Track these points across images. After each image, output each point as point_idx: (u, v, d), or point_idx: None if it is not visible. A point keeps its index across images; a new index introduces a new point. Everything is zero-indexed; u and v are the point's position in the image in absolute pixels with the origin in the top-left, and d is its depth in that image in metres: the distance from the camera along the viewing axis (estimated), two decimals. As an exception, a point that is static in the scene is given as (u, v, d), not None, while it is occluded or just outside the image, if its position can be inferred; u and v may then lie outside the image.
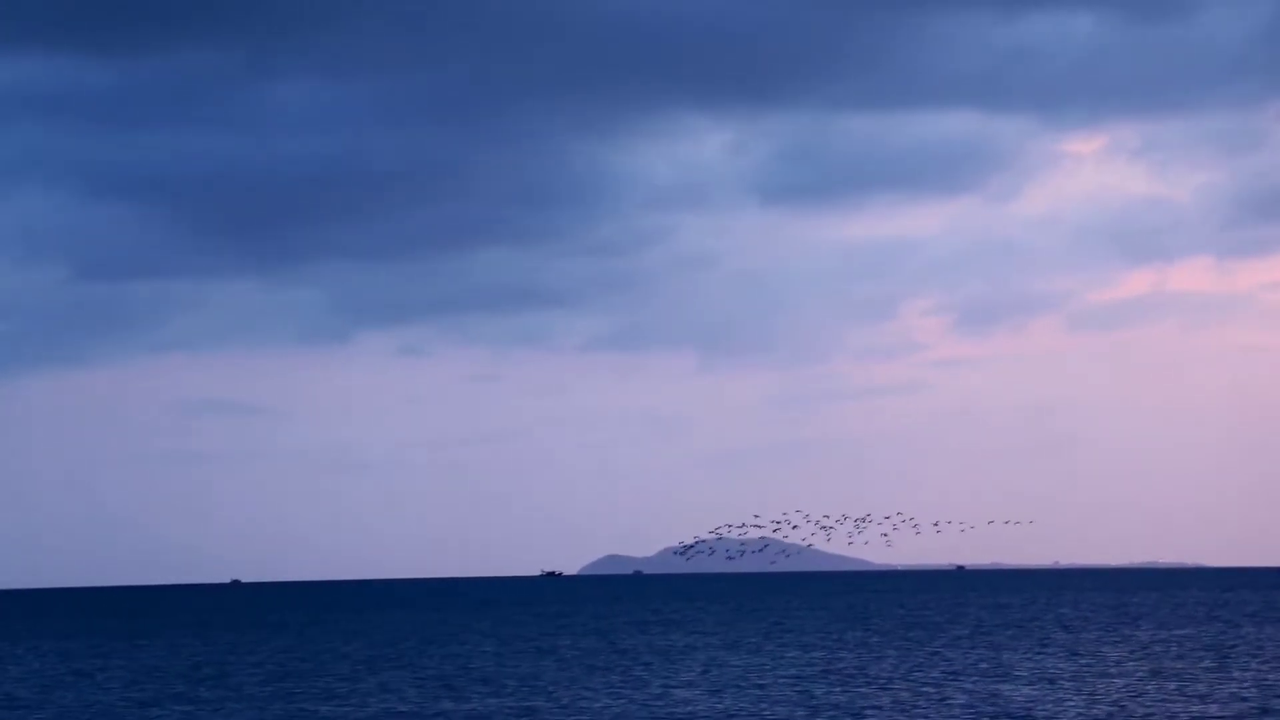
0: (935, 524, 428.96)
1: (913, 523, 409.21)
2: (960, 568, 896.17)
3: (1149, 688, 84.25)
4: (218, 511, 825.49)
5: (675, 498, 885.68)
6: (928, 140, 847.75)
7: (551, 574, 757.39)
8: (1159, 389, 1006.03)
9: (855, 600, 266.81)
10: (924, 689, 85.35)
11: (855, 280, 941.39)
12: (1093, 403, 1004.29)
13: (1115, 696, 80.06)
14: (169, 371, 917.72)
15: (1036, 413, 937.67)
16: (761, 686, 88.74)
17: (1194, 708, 75.01)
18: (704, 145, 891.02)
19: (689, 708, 78.25)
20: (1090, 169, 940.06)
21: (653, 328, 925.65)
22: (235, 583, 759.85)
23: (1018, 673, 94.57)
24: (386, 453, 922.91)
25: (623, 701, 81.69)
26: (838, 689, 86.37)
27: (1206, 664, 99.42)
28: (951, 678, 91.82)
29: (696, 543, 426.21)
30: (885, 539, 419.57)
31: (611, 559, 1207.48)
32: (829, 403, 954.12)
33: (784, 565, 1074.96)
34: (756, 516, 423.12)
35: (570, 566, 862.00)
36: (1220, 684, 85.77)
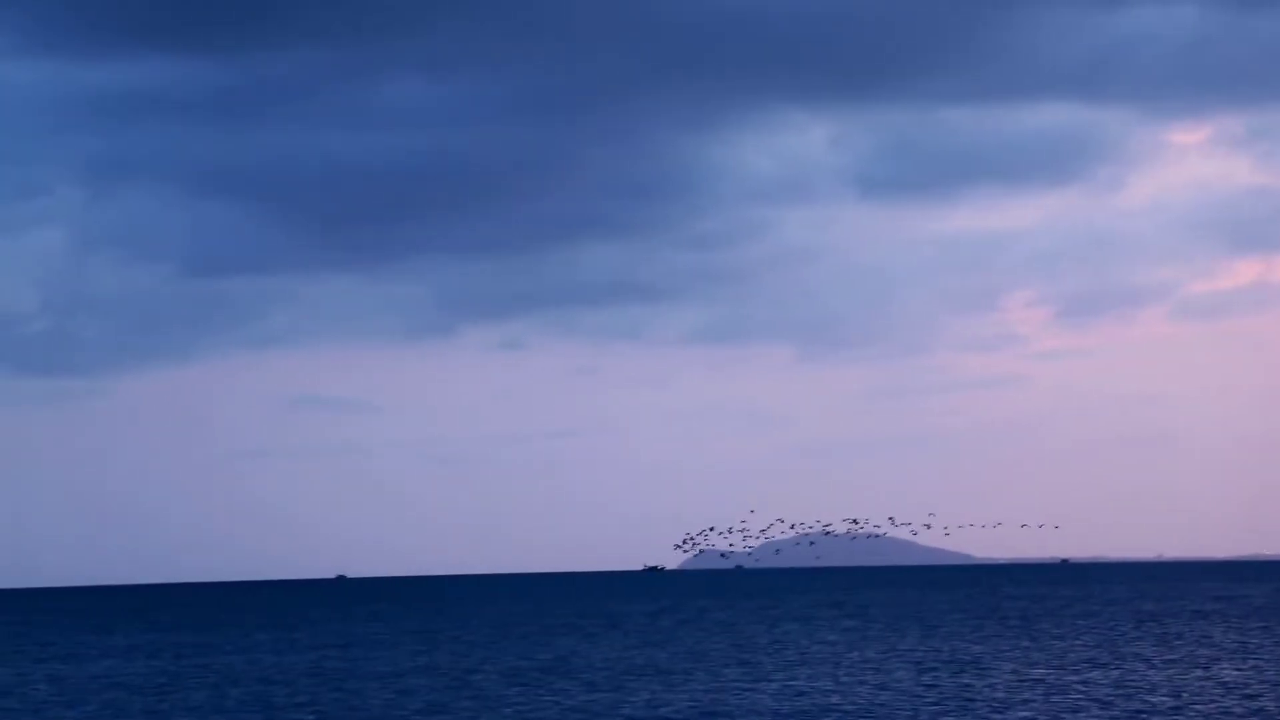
0: (943, 526, 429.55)
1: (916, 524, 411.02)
2: (1065, 560, 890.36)
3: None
4: (321, 506, 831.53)
5: (774, 492, 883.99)
6: (1029, 132, 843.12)
7: (654, 568, 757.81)
8: (1263, 379, 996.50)
9: (969, 592, 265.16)
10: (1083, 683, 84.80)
11: (955, 273, 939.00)
12: (1196, 394, 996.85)
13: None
14: (272, 367, 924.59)
15: (1139, 404, 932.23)
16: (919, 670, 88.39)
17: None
18: (805, 138, 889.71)
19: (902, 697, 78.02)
20: (1194, 159, 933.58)
21: (752, 321, 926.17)
22: (341, 577, 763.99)
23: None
24: (487, 447, 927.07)
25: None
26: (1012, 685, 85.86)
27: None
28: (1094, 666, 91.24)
29: (692, 541, 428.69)
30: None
31: (708, 554, 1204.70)
32: (929, 396, 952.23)
33: (884, 558, 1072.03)
34: (750, 514, 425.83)
35: (670, 561, 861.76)
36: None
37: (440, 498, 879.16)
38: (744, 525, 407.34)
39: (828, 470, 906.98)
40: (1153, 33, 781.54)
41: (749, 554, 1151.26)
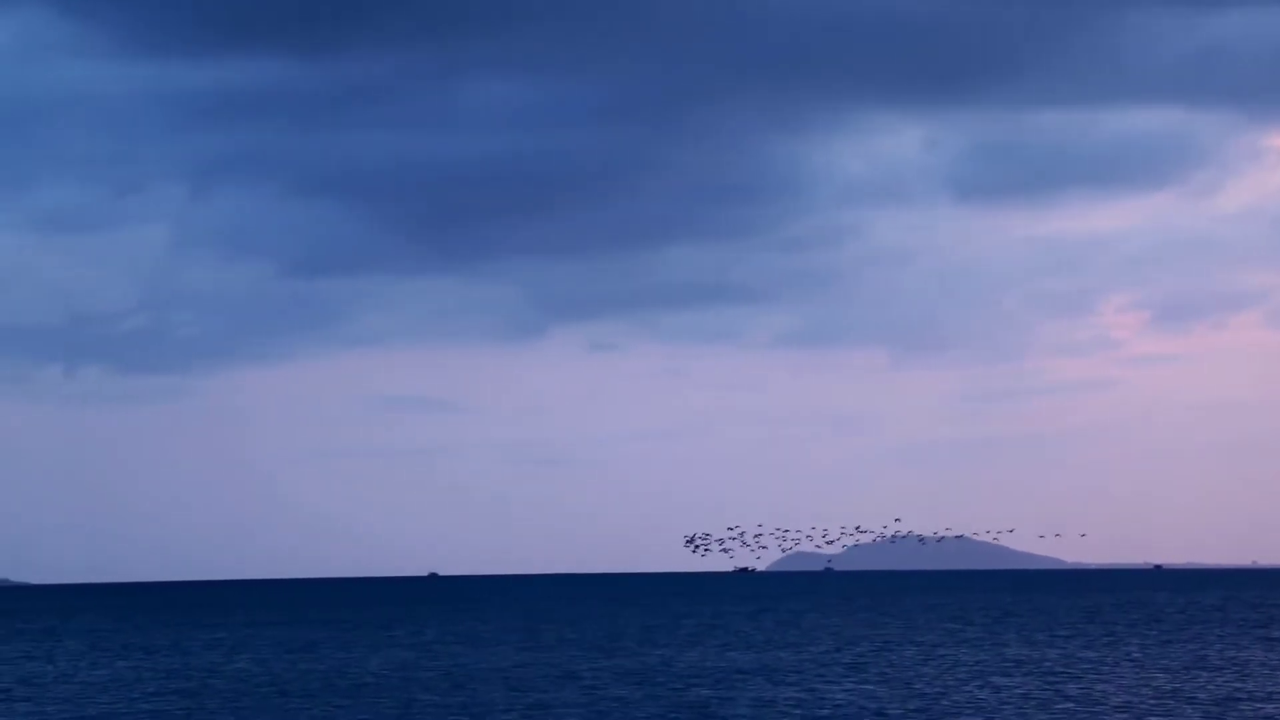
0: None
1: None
2: (1158, 567, 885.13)
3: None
4: (414, 505, 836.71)
5: (864, 494, 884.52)
6: (1125, 135, 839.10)
7: (744, 570, 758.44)
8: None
9: (1070, 598, 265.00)
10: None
11: (1050, 276, 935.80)
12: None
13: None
14: (365, 367, 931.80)
15: (1234, 410, 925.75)
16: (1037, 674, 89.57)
17: None
18: (898, 141, 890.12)
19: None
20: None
21: (844, 324, 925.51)
22: (433, 575, 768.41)
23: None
24: (577, 447, 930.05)
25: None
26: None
27: None
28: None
29: (700, 540, 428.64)
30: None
31: (799, 555, 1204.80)
32: (1022, 399, 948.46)
33: (973, 562, 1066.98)
34: (732, 528, 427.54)
35: (759, 562, 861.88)
36: None
37: (529, 497, 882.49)
38: (758, 529, 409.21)
39: (919, 474, 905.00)
40: (1252, 35, 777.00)
41: (838, 556, 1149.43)
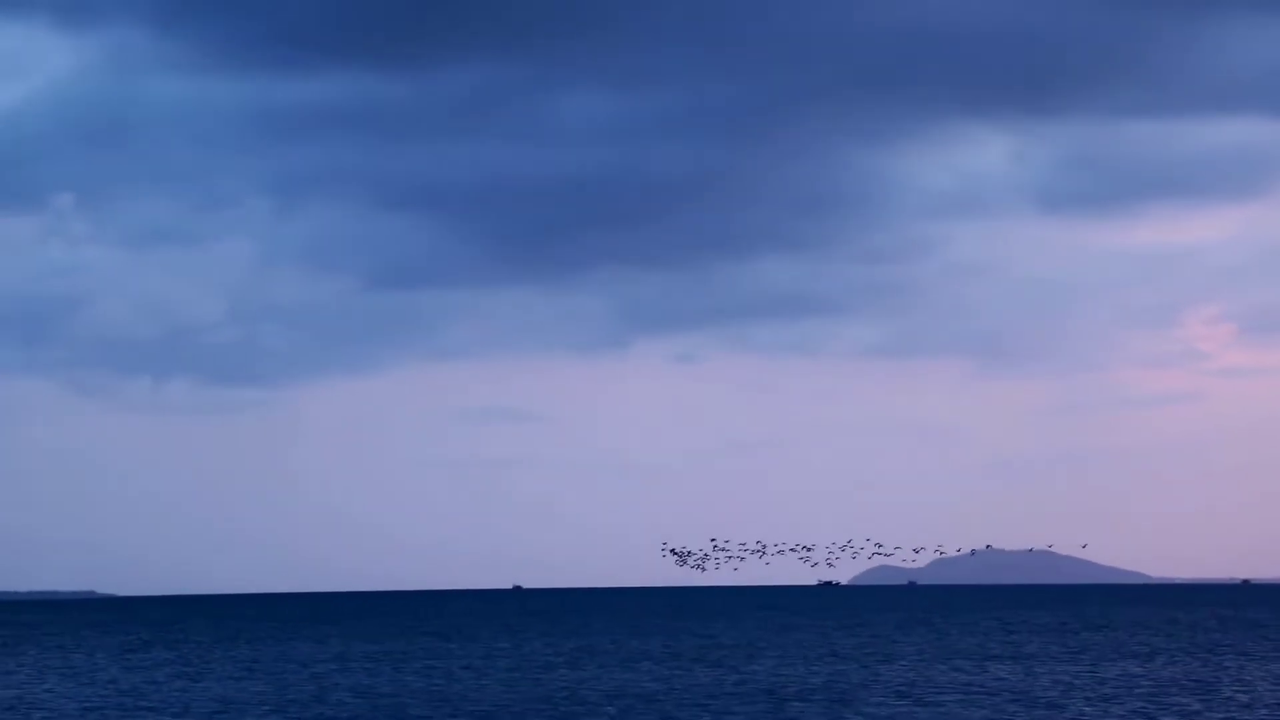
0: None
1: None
2: (1246, 581, 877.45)
3: None
4: (498, 517, 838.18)
5: (947, 507, 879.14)
6: (1212, 146, 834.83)
7: (828, 583, 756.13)
8: None
9: (1150, 612, 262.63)
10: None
11: (1136, 288, 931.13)
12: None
13: None
14: (450, 378, 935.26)
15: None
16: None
17: None
18: (982, 153, 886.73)
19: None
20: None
21: (927, 336, 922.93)
22: (517, 588, 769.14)
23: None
24: (661, 459, 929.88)
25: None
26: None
27: None
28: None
29: (680, 554, 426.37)
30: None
31: (882, 569, 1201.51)
32: (1107, 412, 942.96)
33: (1058, 576, 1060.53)
34: (713, 540, 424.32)
35: (841, 575, 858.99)
36: None
37: (612, 510, 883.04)
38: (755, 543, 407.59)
39: (1002, 486, 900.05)
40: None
41: (920, 570, 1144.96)
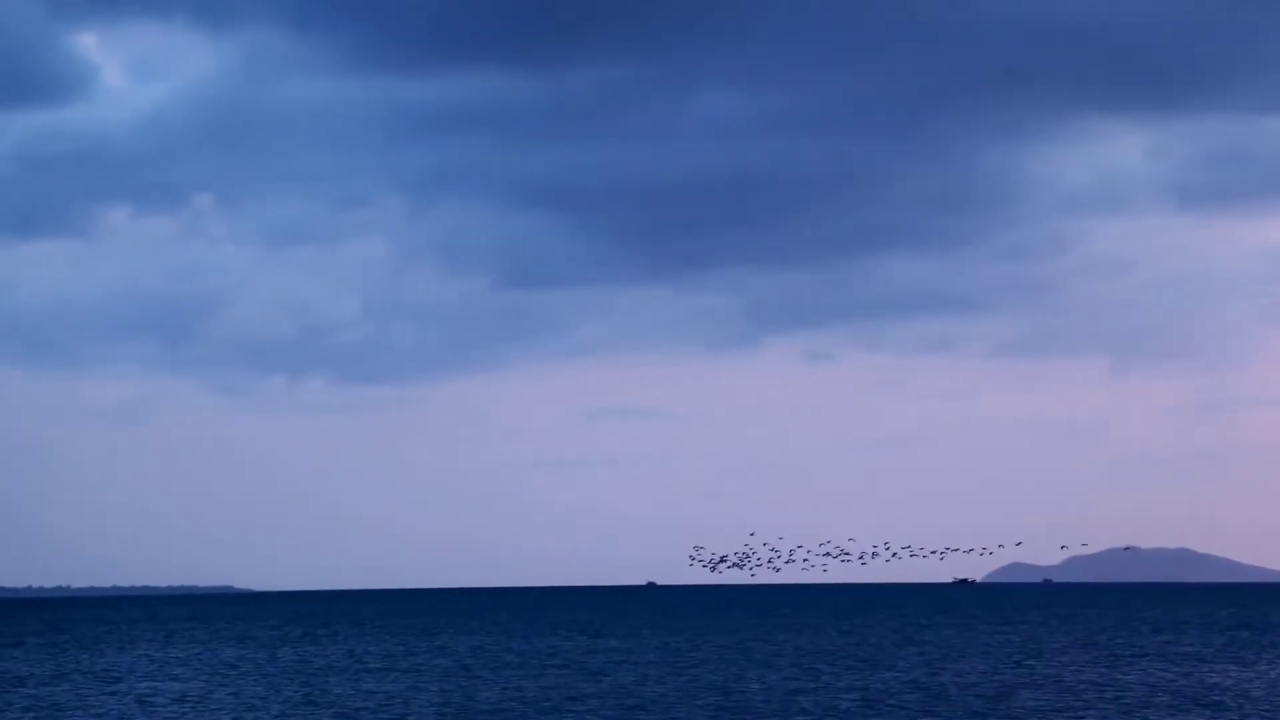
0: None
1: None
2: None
3: None
4: (629, 515, 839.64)
5: (1084, 506, 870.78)
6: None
7: (964, 581, 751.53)
8: None
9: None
10: None
11: (1276, 284, 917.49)
12: None
13: None
14: (581, 377, 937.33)
15: None
16: None
17: None
18: (1120, 148, 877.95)
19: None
20: None
21: (1064, 333, 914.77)
22: (651, 585, 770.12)
23: None
24: (792, 458, 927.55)
25: None
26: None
27: None
28: None
29: (709, 555, 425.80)
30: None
31: (1016, 566, 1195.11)
32: (1248, 409, 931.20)
33: (1196, 574, 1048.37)
34: (752, 534, 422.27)
35: (975, 573, 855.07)
36: None
37: (743, 508, 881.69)
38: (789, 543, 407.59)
39: (1139, 485, 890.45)
40: None
41: (1055, 568, 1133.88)
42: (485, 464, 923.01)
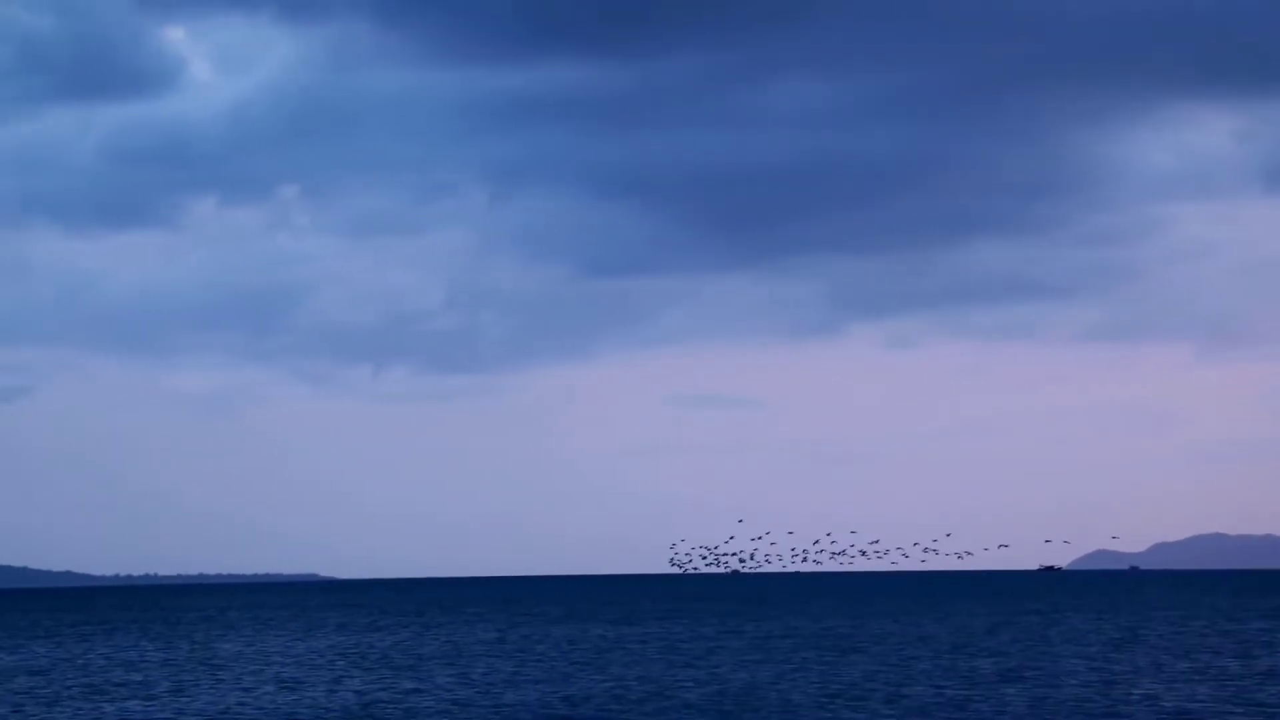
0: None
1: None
2: None
3: None
4: (714, 502, 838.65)
5: (1169, 493, 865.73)
6: None
7: (1049, 568, 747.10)
8: None
9: None
10: None
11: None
12: None
13: None
14: (663, 365, 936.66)
15: None
16: None
17: None
18: (1207, 133, 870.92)
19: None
20: None
21: (1149, 319, 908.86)
22: (735, 573, 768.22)
23: None
24: (877, 444, 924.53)
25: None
26: None
27: None
28: None
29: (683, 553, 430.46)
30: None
31: (1101, 554, 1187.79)
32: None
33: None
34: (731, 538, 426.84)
35: (1060, 560, 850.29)
36: None
37: (827, 495, 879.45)
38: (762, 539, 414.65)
39: (1226, 471, 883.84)
40: None
41: (1141, 555, 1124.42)
42: (568, 452, 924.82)
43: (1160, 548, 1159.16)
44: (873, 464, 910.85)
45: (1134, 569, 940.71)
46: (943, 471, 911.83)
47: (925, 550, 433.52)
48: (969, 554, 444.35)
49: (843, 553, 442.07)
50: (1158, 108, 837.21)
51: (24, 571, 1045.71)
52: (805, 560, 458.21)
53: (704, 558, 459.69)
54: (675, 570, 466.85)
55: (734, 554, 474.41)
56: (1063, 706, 72.47)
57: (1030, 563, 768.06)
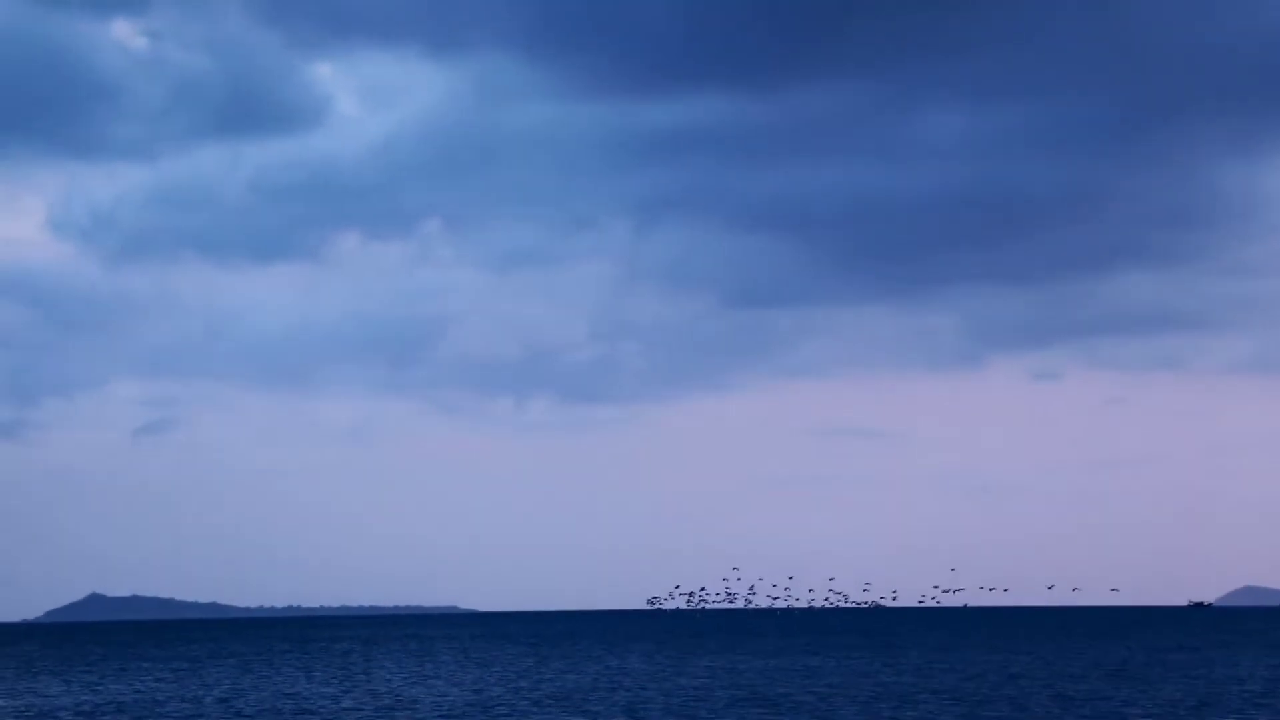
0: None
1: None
2: None
3: None
4: (855, 534, 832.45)
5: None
6: None
7: (1199, 604, 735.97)
8: None
9: None
10: None
11: None
12: None
13: None
14: (803, 396, 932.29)
15: None
16: None
17: None
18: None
19: None
20: None
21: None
22: (875, 606, 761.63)
23: None
24: (1018, 478, 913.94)
25: None
26: None
27: None
28: None
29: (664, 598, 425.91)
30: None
31: (1249, 590, 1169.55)
32: None
33: None
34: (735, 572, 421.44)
35: (1208, 596, 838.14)
36: None
37: (967, 527, 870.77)
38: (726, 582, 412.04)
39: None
40: None
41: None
42: (710, 483, 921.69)
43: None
44: (1016, 497, 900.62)
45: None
46: (1087, 505, 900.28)
47: (1074, 589, 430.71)
48: (1116, 590, 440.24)
49: (993, 588, 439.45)
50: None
51: (170, 603, 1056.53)
52: (952, 595, 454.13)
53: (843, 595, 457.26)
54: (828, 605, 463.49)
55: (888, 594, 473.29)
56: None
57: (1178, 599, 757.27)
